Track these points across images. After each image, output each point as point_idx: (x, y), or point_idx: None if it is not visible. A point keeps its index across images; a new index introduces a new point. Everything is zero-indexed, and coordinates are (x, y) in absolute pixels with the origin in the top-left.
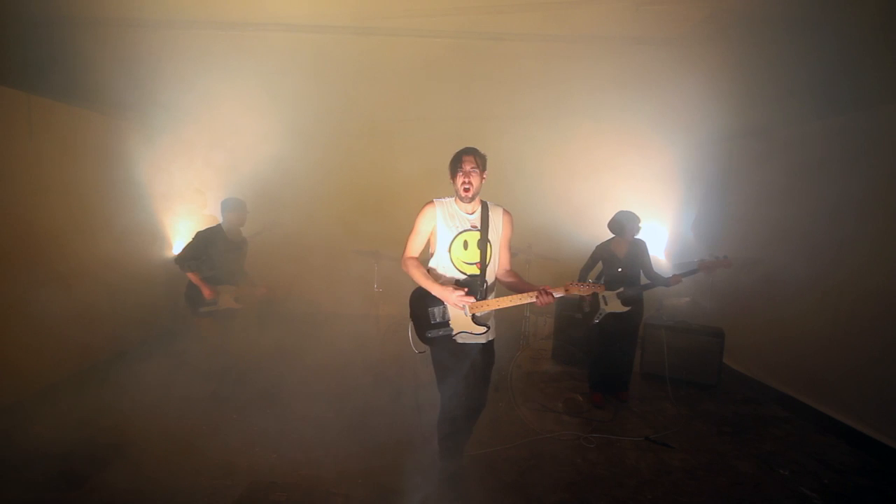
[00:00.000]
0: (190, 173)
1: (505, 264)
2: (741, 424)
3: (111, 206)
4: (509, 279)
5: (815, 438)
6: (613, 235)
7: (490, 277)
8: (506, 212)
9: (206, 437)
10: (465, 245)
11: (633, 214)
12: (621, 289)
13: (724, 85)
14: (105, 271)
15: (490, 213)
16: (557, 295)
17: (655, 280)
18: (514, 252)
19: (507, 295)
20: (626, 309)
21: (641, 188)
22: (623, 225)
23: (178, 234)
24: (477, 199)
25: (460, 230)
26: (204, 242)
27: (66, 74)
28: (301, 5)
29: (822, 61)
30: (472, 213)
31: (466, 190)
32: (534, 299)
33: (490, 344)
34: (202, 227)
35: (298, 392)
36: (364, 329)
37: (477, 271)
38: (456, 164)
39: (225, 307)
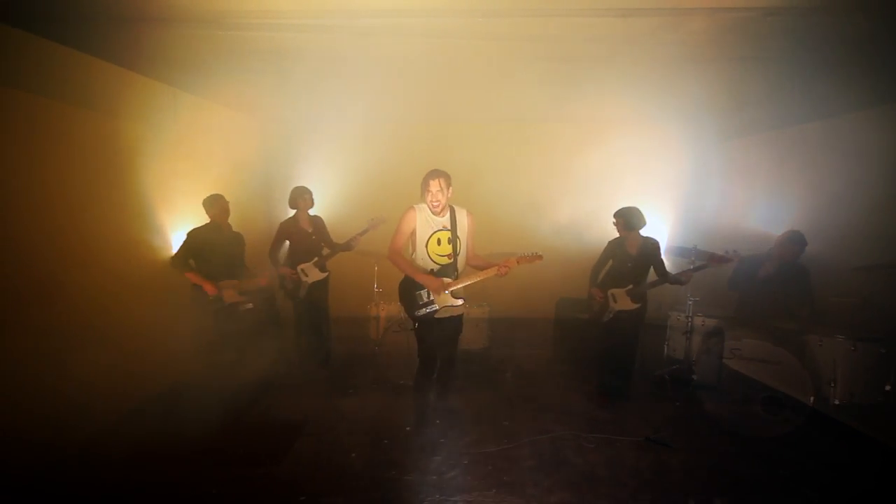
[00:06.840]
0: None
1: (471, 252)
2: (741, 424)
3: (125, 209)
4: (476, 262)
5: (815, 438)
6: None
7: (461, 265)
8: (469, 213)
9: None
10: (439, 242)
11: (637, 210)
12: (630, 286)
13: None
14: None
15: (457, 215)
16: (511, 266)
17: (668, 278)
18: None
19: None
20: (636, 306)
21: (662, 188)
22: (626, 221)
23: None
24: (446, 207)
25: (434, 230)
26: (197, 241)
27: (72, 74)
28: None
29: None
30: (442, 217)
31: (436, 206)
32: (496, 272)
33: (460, 317)
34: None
35: (299, 396)
36: (364, 330)
37: (449, 261)
38: (425, 186)
39: (230, 302)
